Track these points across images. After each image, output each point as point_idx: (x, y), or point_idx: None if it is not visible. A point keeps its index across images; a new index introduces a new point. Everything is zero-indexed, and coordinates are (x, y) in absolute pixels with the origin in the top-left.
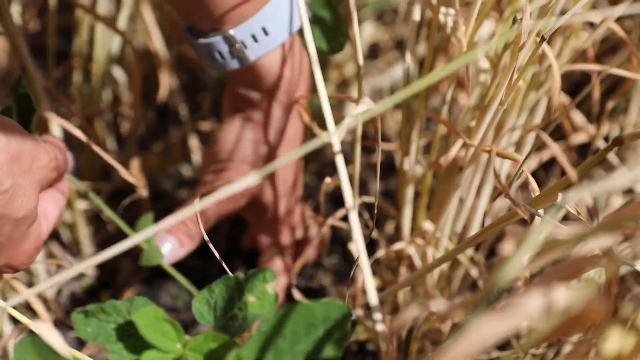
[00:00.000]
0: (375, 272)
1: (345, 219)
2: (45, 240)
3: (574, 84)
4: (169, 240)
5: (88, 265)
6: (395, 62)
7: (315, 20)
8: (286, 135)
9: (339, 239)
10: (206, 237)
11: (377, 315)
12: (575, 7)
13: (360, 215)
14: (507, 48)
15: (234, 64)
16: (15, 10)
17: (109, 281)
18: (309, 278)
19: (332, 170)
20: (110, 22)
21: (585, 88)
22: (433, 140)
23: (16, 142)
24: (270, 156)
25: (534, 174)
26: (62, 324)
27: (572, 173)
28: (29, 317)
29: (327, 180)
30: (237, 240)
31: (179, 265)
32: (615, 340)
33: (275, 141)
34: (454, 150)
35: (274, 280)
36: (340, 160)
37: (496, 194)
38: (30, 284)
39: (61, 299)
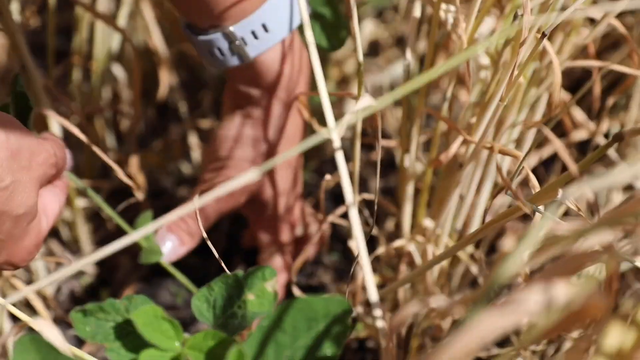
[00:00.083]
0: (375, 270)
1: (345, 216)
2: (45, 237)
3: (575, 81)
4: (169, 238)
5: (87, 262)
6: (395, 59)
7: (315, 16)
8: (286, 133)
9: (339, 237)
10: (205, 235)
11: (378, 312)
12: (576, 3)
13: (360, 212)
14: (507, 44)
15: (234, 61)
16: (15, 7)
17: (108, 279)
18: (308, 276)
19: (332, 168)
20: (110, 19)
21: (585, 85)
22: (433, 137)
23: (15, 139)
24: (270, 153)
25: (533, 171)
26: (62, 322)
27: (573, 167)
28: (29, 314)
29: (327, 177)
30: (236, 238)
31: (178, 263)
32: (616, 335)
33: (275, 138)
34: (455, 147)
35: (273, 278)
36: (340, 157)
37: (496, 190)
38: (29, 282)
39: (60, 297)
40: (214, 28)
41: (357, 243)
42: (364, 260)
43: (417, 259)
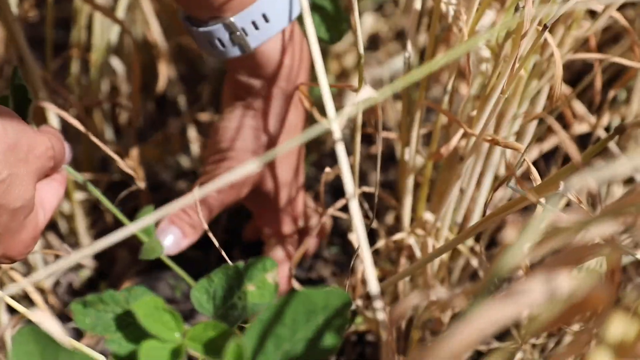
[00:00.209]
0: (375, 263)
1: (344, 209)
2: (43, 231)
3: (575, 74)
4: (172, 231)
5: (86, 254)
6: (396, 53)
7: (314, 8)
8: (287, 123)
9: (338, 231)
10: (206, 227)
11: (378, 303)
12: None
13: (360, 205)
14: (508, 37)
15: (234, 52)
16: (13, 0)
17: (107, 272)
18: (308, 269)
19: (332, 162)
20: (109, 12)
21: (586, 78)
22: (434, 130)
23: (13, 131)
24: (272, 144)
25: (533, 165)
26: (60, 315)
27: (577, 157)
28: (26, 307)
29: (327, 170)
30: (236, 232)
31: (177, 256)
32: (619, 327)
33: (277, 129)
34: (455, 140)
35: (274, 270)
36: (340, 148)
37: (497, 183)
38: (27, 274)
39: (59, 290)
40: (214, 19)
41: (358, 235)
42: (365, 252)
43: (417, 253)
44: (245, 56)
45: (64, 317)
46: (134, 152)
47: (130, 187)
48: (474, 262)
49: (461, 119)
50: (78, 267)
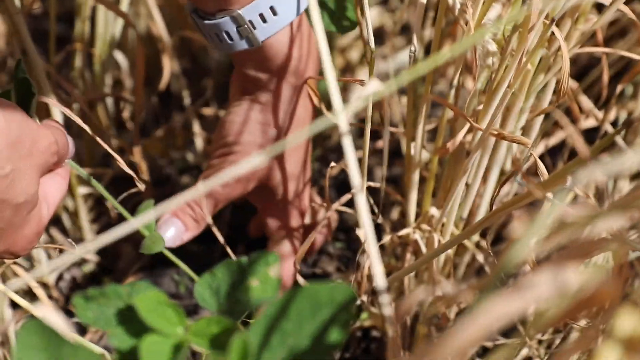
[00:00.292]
0: (380, 258)
1: (349, 204)
2: (46, 225)
3: (581, 68)
4: (174, 223)
5: (89, 249)
6: (401, 47)
7: (321, 1)
8: (295, 117)
9: (343, 226)
10: (210, 220)
11: (385, 298)
12: None
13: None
14: (515, 30)
15: (242, 45)
16: None
17: (111, 267)
18: (312, 264)
19: (337, 157)
20: (113, 5)
21: (592, 72)
22: (439, 125)
23: (16, 126)
24: (279, 139)
25: (539, 159)
26: (63, 310)
27: (585, 151)
28: (30, 303)
29: (332, 164)
30: (239, 228)
31: (181, 251)
32: (627, 321)
33: (284, 123)
34: (461, 134)
35: (277, 264)
36: (347, 140)
37: (504, 178)
38: (31, 270)
39: (62, 285)
40: (222, 12)
41: (365, 229)
42: (372, 245)
43: (423, 248)
44: (253, 49)
45: (67, 312)
46: (138, 146)
47: (134, 183)
48: (480, 258)
49: (467, 114)
50: (81, 262)
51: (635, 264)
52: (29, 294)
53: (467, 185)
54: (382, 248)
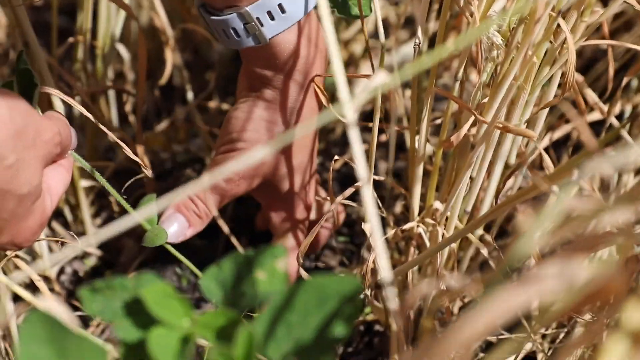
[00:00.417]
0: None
1: (352, 198)
2: (50, 217)
3: (587, 61)
4: (177, 219)
5: (91, 242)
6: (405, 40)
7: None
8: (301, 115)
9: (346, 220)
10: (216, 213)
11: (390, 290)
12: None
13: None
14: (521, 23)
15: (249, 42)
16: None
17: (112, 261)
18: (316, 259)
19: (340, 150)
20: None
21: (597, 65)
22: (444, 118)
23: (20, 117)
24: None
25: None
26: (65, 304)
27: (592, 144)
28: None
29: (336, 157)
30: (242, 221)
31: (183, 245)
32: (635, 313)
33: (290, 121)
34: (465, 127)
35: (284, 257)
36: (353, 132)
37: (509, 171)
38: (32, 263)
39: (64, 278)
40: (230, 8)
41: (371, 222)
42: (377, 237)
43: (427, 242)
44: (260, 47)
45: (68, 305)
46: (140, 140)
47: (136, 175)
48: (484, 252)
49: (472, 107)
50: (83, 255)
51: None
52: (31, 287)
53: (471, 178)
54: (385, 242)
